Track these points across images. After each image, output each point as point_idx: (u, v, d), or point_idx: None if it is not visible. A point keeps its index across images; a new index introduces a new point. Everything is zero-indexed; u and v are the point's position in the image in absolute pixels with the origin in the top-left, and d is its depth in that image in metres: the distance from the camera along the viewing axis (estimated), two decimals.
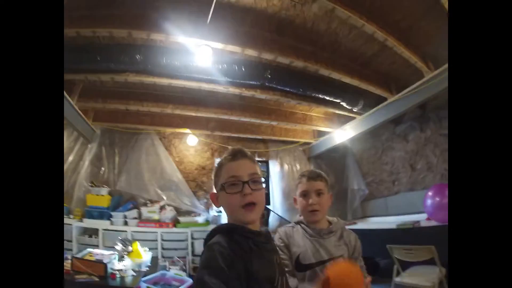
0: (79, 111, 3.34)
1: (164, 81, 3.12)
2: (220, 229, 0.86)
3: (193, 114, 3.98)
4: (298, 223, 1.32)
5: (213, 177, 0.95)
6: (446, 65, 2.63)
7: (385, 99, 3.44)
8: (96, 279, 2.11)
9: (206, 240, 0.84)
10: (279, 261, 0.91)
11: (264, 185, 0.93)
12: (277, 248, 1.17)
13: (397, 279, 2.54)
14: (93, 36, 2.52)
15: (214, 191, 0.94)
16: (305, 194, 1.27)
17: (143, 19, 2.46)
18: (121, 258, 2.53)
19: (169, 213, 3.94)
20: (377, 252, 3.00)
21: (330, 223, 1.32)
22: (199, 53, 2.65)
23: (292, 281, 1.14)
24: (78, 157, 3.92)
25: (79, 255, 2.30)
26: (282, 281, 0.84)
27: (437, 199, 2.74)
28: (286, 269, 1.12)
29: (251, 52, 2.75)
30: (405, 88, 3.11)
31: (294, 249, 1.22)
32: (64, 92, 2.88)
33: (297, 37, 2.84)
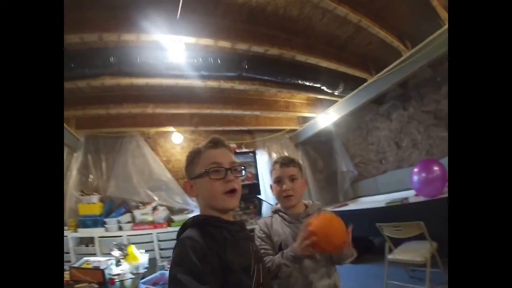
0: None
1: (141, 81, 3.06)
2: (192, 222, 0.86)
3: (175, 111, 3.95)
4: (275, 212, 1.34)
5: (185, 166, 0.94)
6: (423, 43, 2.65)
7: (365, 80, 3.46)
8: (96, 286, 2.11)
9: (178, 235, 0.84)
10: (255, 249, 0.92)
11: (243, 173, 0.94)
12: (257, 237, 1.25)
13: (390, 256, 2.60)
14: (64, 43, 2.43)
15: (187, 179, 0.93)
16: (279, 181, 1.30)
17: (112, 20, 2.39)
18: (118, 263, 2.53)
19: (162, 213, 3.93)
20: (369, 231, 3.04)
21: (306, 206, 1.35)
22: (172, 49, 2.61)
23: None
24: (65, 168, 3.85)
25: (76, 265, 2.29)
26: (258, 268, 0.84)
27: (423, 174, 2.81)
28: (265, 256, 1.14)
29: (225, 44, 2.71)
30: (384, 68, 3.13)
31: (275, 238, 1.24)
32: None
33: (269, 24, 2.81)
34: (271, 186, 1.37)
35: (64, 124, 3.40)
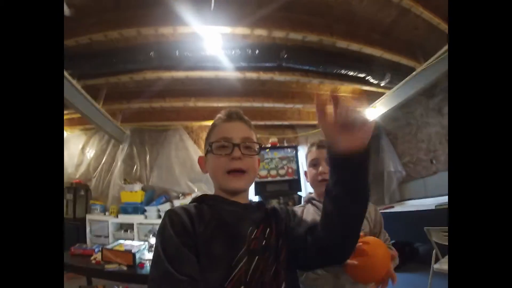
0: (107, 114, 3.53)
1: (181, 74, 3.16)
2: (193, 200, 0.81)
3: (216, 105, 3.98)
4: (308, 201, 1.21)
5: (205, 140, 0.88)
6: None
7: (413, 69, 3.13)
8: (125, 268, 2.22)
9: None
10: (258, 235, 0.72)
11: (258, 153, 0.82)
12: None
13: (436, 266, 2.31)
14: (105, 40, 2.62)
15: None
16: (315, 164, 1.18)
17: (149, 16, 2.51)
18: (150, 248, 2.64)
19: None
20: (415, 236, 2.76)
21: None
22: (208, 40, 2.63)
23: None
24: (111, 158, 4.20)
25: (109, 246, 2.44)
26: (249, 263, 0.67)
27: None
28: None
29: (261, 32, 2.65)
30: (433, 54, 2.80)
31: None
32: (89, 97, 3.07)
33: (307, 11, 2.69)
34: (305, 173, 1.26)
35: (110, 117, 3.66)
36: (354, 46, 2.90)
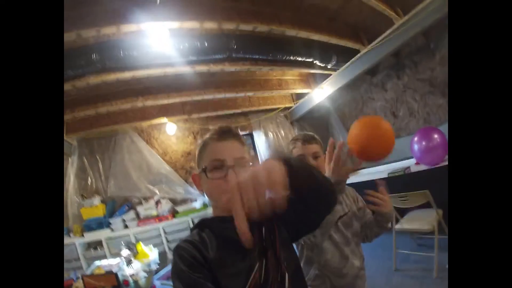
0: None
1: (127, 75, 2.92)
2: (193, 227, 0.79)
3: (166, 101, 3.82)
4: None
5: (196, 156, 0.84)
6: (415, 10, 2.56)
7: (357, 51, 3.37)
8: None
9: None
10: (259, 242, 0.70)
11: None
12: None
13: (397, 226, 2.64)
14: None
15: (197, 172, 0.84)
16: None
17: (89, 16, 2.24)
18: (129, 263, 2.52)
19: (165, 206, 3.93)
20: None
21: None
22: (155, 37, 2.48)
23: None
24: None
25: (88, 272, 2.27)
26: (260, 266, 0.64)
27: (424, 143, 2.78)
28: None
29: (211, 25, 2.57)
30: (377, 37, 3.02)
31: None
32: None
33: (255, 0, 2.68)
34: None
35: None
36: (303, 34, 2.98)
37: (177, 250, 0.70)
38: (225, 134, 0.79)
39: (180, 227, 3.80)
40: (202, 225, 0.78)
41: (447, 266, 2.34)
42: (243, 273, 0.66)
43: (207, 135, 0.82)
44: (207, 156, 0.78)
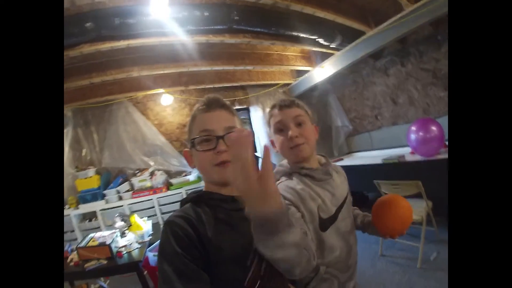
0: None
1: (122, 43, 2.78)
2: (186, 200, 0.75)
3: (162, 72, 3.69)
4: (291, 173, 0.96)
5: (187, 133, 0.80)
6: None
7: (363, 33, 3.24)
8: (105, 262, 2.16)
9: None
10: None
11: None
12: None
13: None
14: None
15: (188, 148, 0.79)
16: (281, 128, 0.95)
17: None
18: (123, 234, 2.58)
19: (160, 177, 3.95)
20: (364, 186, 3.14)
21: (322, 157, 1.06)
22: (153, 4, 2.34)
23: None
24: None
25: (82, 244, 2.31)
26: (262, 258, 0.64)
27: (421, 133, 2.78)
28: None
29: None
30: (384, 21, 2.91)
31: (310, 204, 0.88)
32: None
33: None
34: (271, 142, 1.01)
35: None
36: (308, 10, 2.84)
37: (170, 226, 0.63)
38: (213, 104, 0.76)
39: (174, 199, 3.84)
40: (197, 200, 0.73)
41: (431, 258, 2.44)
42: (242, 261, 0.65)
43: (195, 108, 0.79)
44: (196, 128, 0.75)
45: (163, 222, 3.54)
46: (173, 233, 0.62)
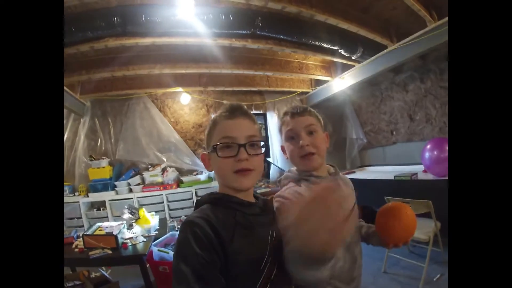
0: (64, 87, 3.18)
1: (147, 40, 2.87)
2: (205, 200, 0.75)
3: (183, 71, 3.77)
4: (300, 180, 0.95)
5: (205, 135, 0.81)
6: None
7: (385, 47, 3.22)
8: (109, 251, 2.19)
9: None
10: (275, 237, 0.73)
11: (263, 150, 0.78)
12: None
13: None
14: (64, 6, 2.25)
15: (206, 151, 0.80)
16: (292, 136, 0.96)
17: None
18: (130, 227, 2.62)
19: (171, 174, 4.00)
20: (374, 201, 3.08)
21: (331, 167, 1.06)
22: (180, 5, 2.41)
23: None
24: (73, 134, 3.87)
25: (89, 232, 2.36)
26: (273, 262, 0.68)
27: (435, 153, 2.72)
28: None
29: None
30: (406, 36, 2.88)
31: None
32: None
33: None
34: (282, 148, 1.02)
35: (69, 90, 3.33)
36: (332, 20, 2.85)
37: (190, 226, 0.63)
38: (236, 111, 0.77)
39: (183, 196, 3.89)
40: (216, 202, 0.74)
41: (434, 279, 2.37)
42: (256, 265, 0.66)
43: (217, 113, 0.79)
44: (218, 134, 0.75)
45: (171, 217, 3.61)
46: (193, 233, 0.62)
